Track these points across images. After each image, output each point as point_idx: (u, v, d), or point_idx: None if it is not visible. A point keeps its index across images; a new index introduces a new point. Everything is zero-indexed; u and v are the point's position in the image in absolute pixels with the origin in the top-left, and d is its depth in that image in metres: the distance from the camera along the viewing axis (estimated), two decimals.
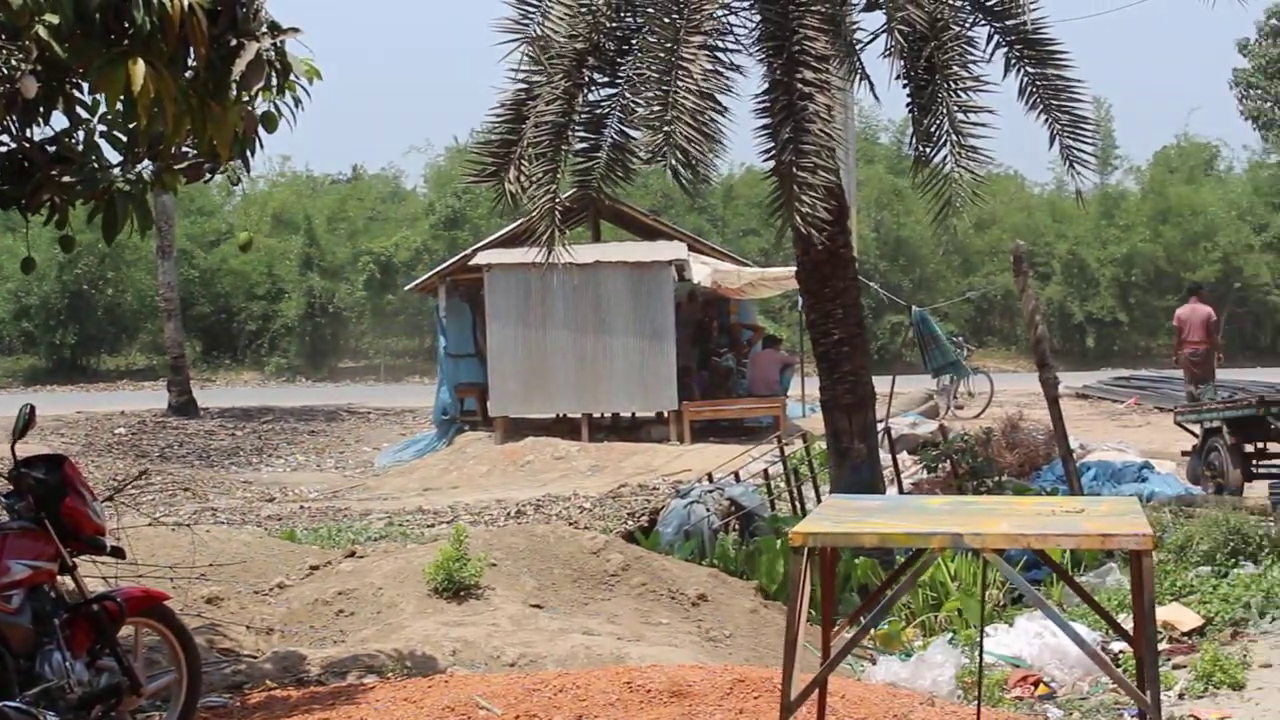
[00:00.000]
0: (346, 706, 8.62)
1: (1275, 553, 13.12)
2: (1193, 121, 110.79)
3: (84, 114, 8.55)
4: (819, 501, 15.38)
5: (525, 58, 14.04)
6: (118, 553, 8.25)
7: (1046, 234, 57.17)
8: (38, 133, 8.69)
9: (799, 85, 12.97)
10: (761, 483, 18.39)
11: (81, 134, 8.62)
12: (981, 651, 8.32)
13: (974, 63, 14.00)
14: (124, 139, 8.59)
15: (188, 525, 13.86)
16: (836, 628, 7.15)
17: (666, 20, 13.20)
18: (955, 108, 13.61)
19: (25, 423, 7.83)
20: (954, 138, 13.59)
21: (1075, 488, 15.81)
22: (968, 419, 27.76)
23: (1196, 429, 20.12)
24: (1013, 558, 12.87)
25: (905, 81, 14.03)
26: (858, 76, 14.37)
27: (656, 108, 12.63)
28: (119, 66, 7.23)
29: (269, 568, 13.08)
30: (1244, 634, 11.53)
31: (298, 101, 8.51)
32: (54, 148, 8.71)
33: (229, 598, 11.84)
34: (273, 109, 8.37)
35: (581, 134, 13.95)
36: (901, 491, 17.69)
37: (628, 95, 13.61)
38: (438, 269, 32.35)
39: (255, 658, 10.35)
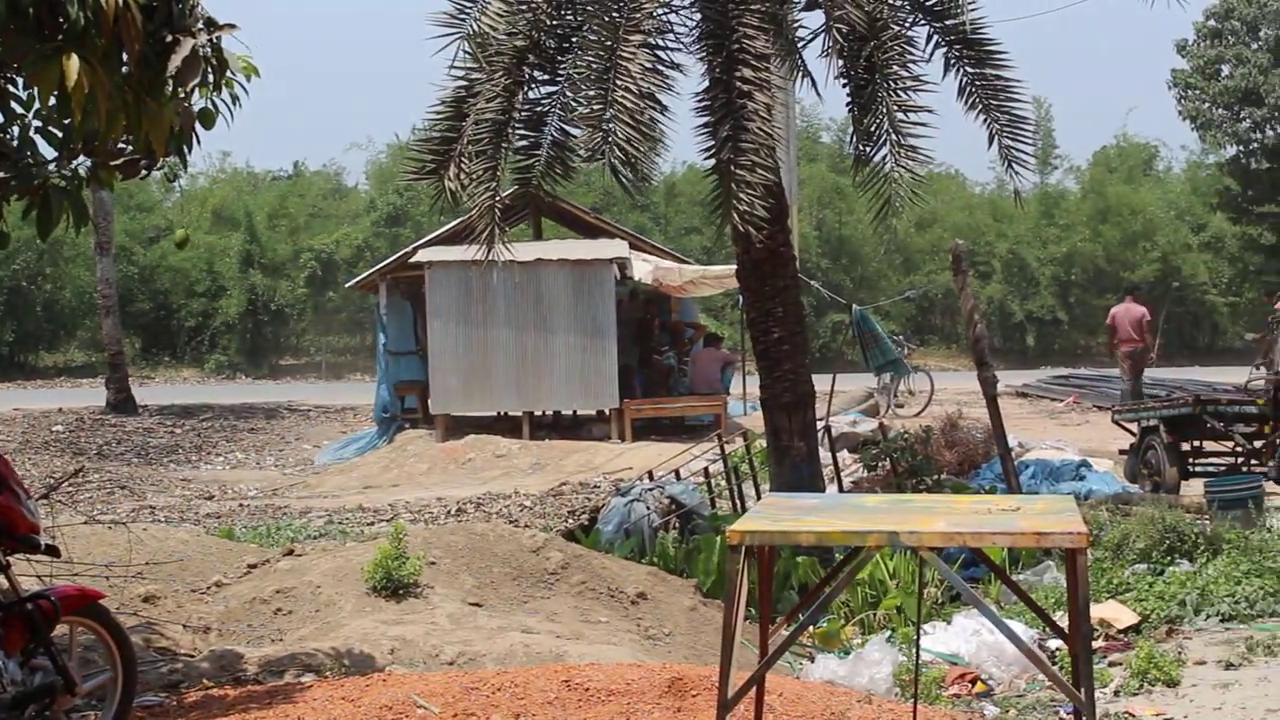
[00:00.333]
0: (284, 705, 8.58)
1: (1210, 551, 13.21)
2: (1131, 122, 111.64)
3: (18, 109, 8.47)
4: (759, 499, 15.41)
5: (464, 54, 14.00)
6: (52, 551, 8.18)
7: (987, 233, 57.46)
8: None
9: (738, 84, 12.99)
10: (702, 481, 18.41)
11: (16, 129, 8.55)
12: (918, 649, 8.35)
13: (913, 62, 14.08)
14: (59, 135, 8.52)
15: (124, 523, 13.75)
16: (774, 626, 7.16)
17: (606, 18, 13.19)
18: (895, 107, 13.66)
19: None
20: (894, 137, 13.65)
21: (1013, 486, 15.89)
22: (908, 417, 27.85)
23: (1134, 427, 20.24)
24: (951, 556, 12.94)
25: (845, 81, 14.09)
26: (800, 74, 14.41)
27: (596, 106, 12.62)
28: (53, 62, 7.17)
29: (207, 566, 13.01)
30: (1179, 631, 11.60)
31: (235, 98, 8.46)
32: None
33: (166, 596, 11.78)
34: (210, 105, 8.33)
35: (522, 132, 13.93)
36: (841, 490, 17.74)
37: (568, 93, 13.61)
38: (379, 266, 32.25)
39: (192, 657, 10.30)
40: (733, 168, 12.82)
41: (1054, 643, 10.90)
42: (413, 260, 28.67)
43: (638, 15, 13.01)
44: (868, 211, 14.71)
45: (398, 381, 30.21)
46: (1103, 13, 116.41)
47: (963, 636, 11.28)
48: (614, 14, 13.19)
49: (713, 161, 13.49)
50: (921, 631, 11.06)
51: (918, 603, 8.58)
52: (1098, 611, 11.85)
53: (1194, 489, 18.00)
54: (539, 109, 13.94)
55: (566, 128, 13.75)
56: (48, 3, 7.30)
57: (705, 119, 13.44)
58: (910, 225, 52.81)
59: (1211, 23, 49.92)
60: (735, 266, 16.08)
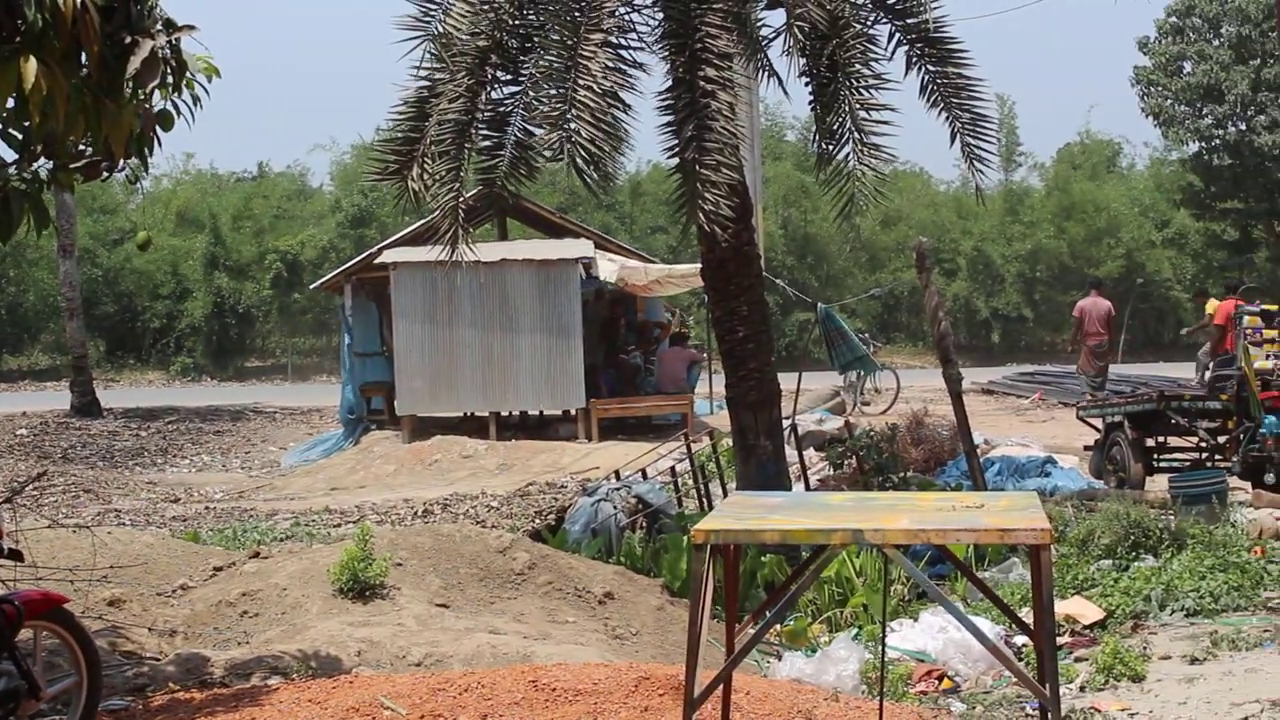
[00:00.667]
0: (250, 708, 8.56)
1: (1175, 546, 13.26)
2: (1094, 119, 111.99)
3: None
4: (725, 498, 15.42)
5: (428, 55, 13.98)
6: (16, 555, 8.14)
7: (952, 230, 57.64)
8: None
9: (701, 83, 12.98)
10: (669, 480, 18.41)
11: None
12: (884, 646, 8.36)
13: (875, 61, 14.09)
14: (19, 137, 8.48)
15: (89, 527, 13.69)
16: (741, 624, 7.16)
17: (567, 17, 13.18)
18: (857, 105, 13.68)
19: None
20: (856, 135, 13.66)
21: (979, 483, 15.92)
22: (874, 415, 27.91)
23: (1099, 424, 20.30)
24: (917, 553, 12.96)
25: (807, 79, 14.10)
26: (764, 73, 14.42)
27: (558, 105, 12.60)
28: (10, 64, 7.14)
29: (172, 569, 12.96)
30: (1144, 626, 11.64)
31: (196, 99, 8.44)
32: None
33: (131, 600, 11.73)
34: (170, 107, 8.30)
35: (485, 132, 13.89)
36: (808, 488, 17.75)
37: (530, 93, 13.57)
38: (343, 268, 32.19)
39: (158, 660, 10.25)
40: (697, 167, 12.81)
41: (1020, 639, 10.93)
42: (378, 261, 28.62)
43: (599, 14, 12.99)
44: (832, 210, 14.71)
45: (363, 383, 30.16)
46: (1065, 10, 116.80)
47: (929, 633, 11.29)
48: (575, 13, 13.18)
49: (677, 161, 13.47)
50: (888, 629, 11.10)
51: (883, 600, 8.59)
52: (1063, 607, 11.88)
53: (1159, 484, 18.06)
54: (502, 109, 13.91)
55: (529, 127, 13.70)
56: (4, 4, 7.26)
57: (669, 118, 13.42)
58: (875, 223, 52.97)
59: (1173, 20, 50.11)
60: (700, 265, 16.09)
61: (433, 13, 13.98)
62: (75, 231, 38.34)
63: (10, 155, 8.60)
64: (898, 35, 14.60)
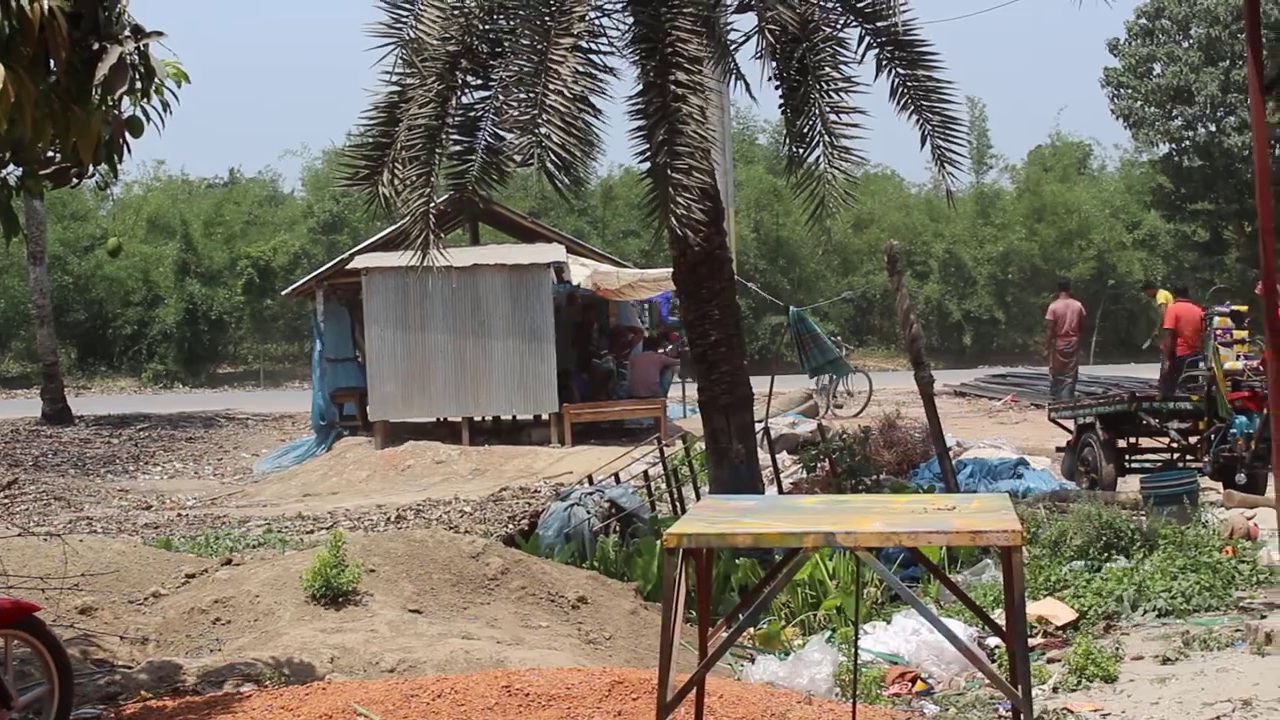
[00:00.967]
0: (223, 716, 8.54)
1: (1147, 546, 13.29)
2: (1065, 121, 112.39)
3: None
4: (698, 502, 15.42)
5: (399, 60, 13.96)
6: None
7: (924, 233, 57.75)
8: None
9: (672, 87, 13.01)
10: (642, 484, 18.41)
11: None
12: (856, 649, 8.36)
13: (845, 64, 14.14)
14: None
15: (59, 535, 13.63)
16: (714, 628, 7.16)
17: (537, 22, 13.18)
18: (827, 108, 13.71)
19: None
20: (826, 138, 13.69)
21: (951, 485, 15.95)
22: (847, 418, 27.94)
23: (1070, 425, 20.35)
24: (890, 556, 12.98)
25: (778, 83, 14.13)
26: (733, 77, 14.44)
27: (528, 110, 12.60)
28: None
29: (144, 577, 12.90)
30: (1116, 627, 11.67)
31: (166, 105, 8.41)
32: None
33: (103, 608, 11.69)
34: (139, 113, 8.27)
35: (456, 137, 13.89)
36: (781, 491, 17.77)
37: (501, 98, 13.58)
38: (315, 273, 32.12)
39: (130, 668, 10.22)
40: (669, 171, 12.83)
41: (993, 640, 10.95)
42: (350, 267, 28.57)
43: (569, 19, 13.00)
44: (804, 213, 14.74)
45: (336, 389, 30.09)
46: (1034, 12, 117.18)
47: (902, 636, 11.30)
48: (545, 18, 13.18)
49: (649, 165, 13.49)
50: (861, 631, 11.10)
51: (856, 603, 8.60)
52: (1036, 609, 11.90)
53: (1130, 485, 18.10)
54: (472, 114, 13.91)
55: (500, 132, 13.70)
56: None
57: (640, 122, 13.45)
58: (847, 226, 53.01)
59: (1143, 21, 50.25)
60: (672, 269, 16.10)
61: (404, 18, 13.97)
62: (45, 238, 38.19)
63: None
64: (868, 38, 14.63)
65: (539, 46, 12.86)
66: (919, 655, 11.02)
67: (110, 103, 7.89)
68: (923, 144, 14.64)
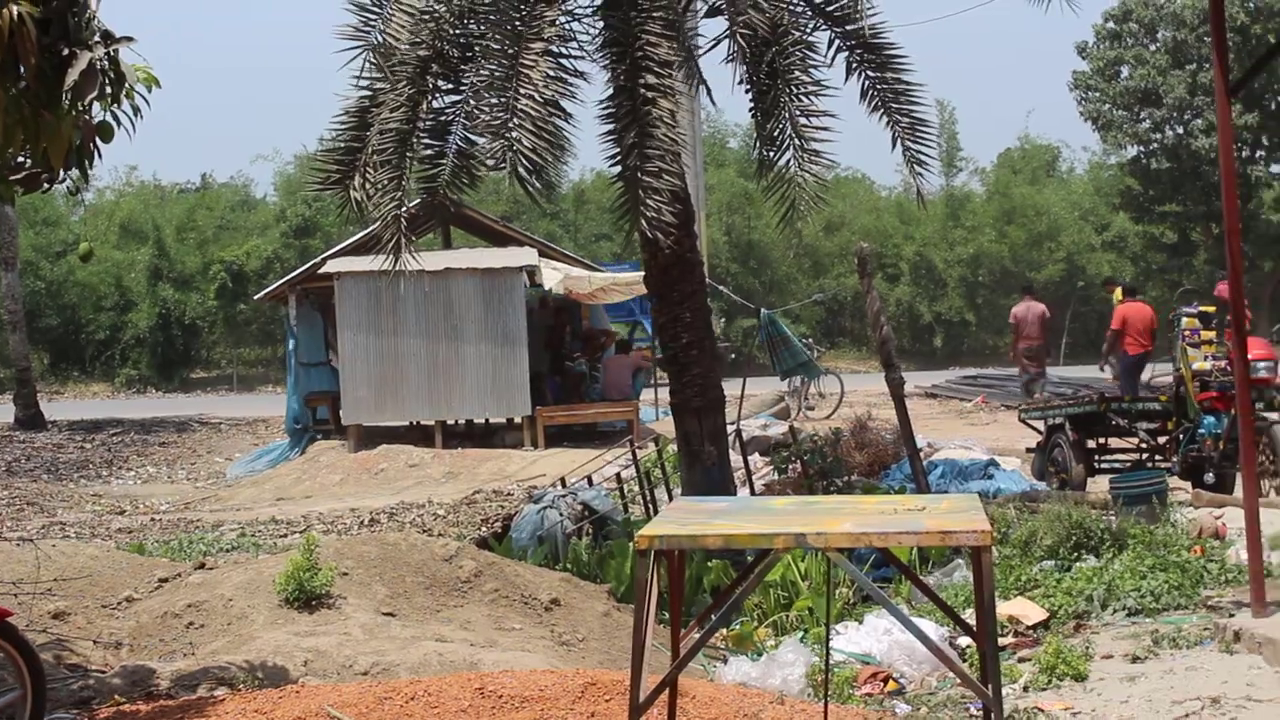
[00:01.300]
0: (196, 719, 8.54)
1: (1116, 546, 13.35)
2: (1034, 123, 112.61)
3: None
4: (670, 503, 15.44)
5: (368, 64, 13.97)
6: None
7: (895, 235, 57.90)
8: None
9: (642, 91, 13.03)
10: (615, 487, 18.44)
11: None
12: (828, 649, 8.41)
13: (815, 67, 14.17)
14: None
15: (32, 540, 13.63)
16: (686, 629, 7.19)
17: (508, 27, 13.19)
18: (797, 112, 13.75)
19: None
20: (796, 141, 13.73)
21: (922, 486, 16.00)
22: (819, 420, 28.00)
23: (1041, 426, 20.42)
24: (862, 556, 13.01)
25: (748, 86, 14.15)
26: (696, 82, 14.47)
27: (499, 114, 12.62)
28: None
29: (117, 581, 12.88)
30: (1086, 626, 11.72)
31: (136, 110, 8.40)
32: None
33: (76, 613, 11.67)
34: (109, 119, 8.27)
35: (427, 141, 13.89)
36: (753, 493, 17.79)
37: (472, 102, 13.59)
38: (288, 278, 32.10)
39: (103, 673, 10.21)
40: (639, 174, 12.86)
41: (964, 640, 11.00)
42: (322, 271, 28.56)
43: (540, 23, 13.01)
44: (774, 216, 14.78)
45: (309, 392, 30.07)
46: (1003, 15, 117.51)
47: (874, 636, 11.34)
48: (516, 22, 13.20)
49: (619, 168, 13.51)
50: (833, 632, 11.15)
51: (827, 604, 8.64)
52: (1006, 608, 11.95)
53: (1100, 485, 18.17)
54: (443, 118, 13.92)
55: (471, 136, 13.72)
56: None
57: (611, 126, 13.46)
58: (818, 229, 53.11)
59: (1110, 25, 50.43)
60: (643, 273, 16.13)
61: (373, 22, 13.98)
62: (17, 244, 38.12)
63: None
64: (837, 41, 14.68)
65: (510, 51, 12.87)
66: (891, 655, 11.05)
67: (80, 108, 7.89)
68: (893, 146, 14.69)
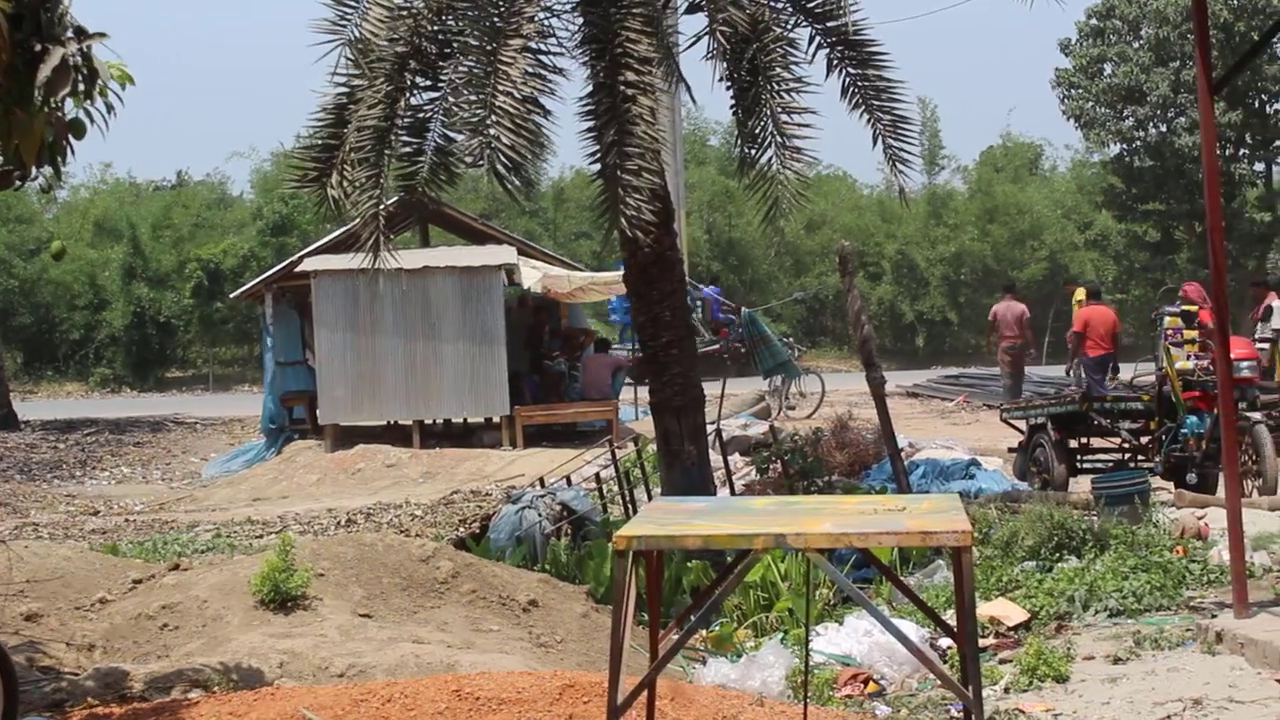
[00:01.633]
0: None
1: (1098, 546, 13.32)
2: (1016, 121, 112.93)
3: None
4: (650, 503, 15.38)
5: (345, 60, 13.87)
6: None
7: (876, 234, 57.91)
8: None
9: (622, 88, 12.97)
10: (594, 487, 18.37)
11: None
12: (807, 650, 8.34)
13: (796, 64, 14.13)
14: None
15: (4, 541, 13.52)
16: (665, 630, 7.13)
17: (486, 23, 13.12)
18: (779, 109, 13.70)
19: None
20: (778, 139, 13.68)
21: (903, 486, 15.96)
22: (799, 419, 27.95)
23: (1022, 426, 20.40)
24: (842, 557, 12.97)
25: (729, 84, 14.10)
26: (676, 79, 14.41)
27: (477, 111, 12.54)
28: None
29: (91, 583, 12.78)
30: (1068, 627, 11.69)
31: (110, 107, 8.31)
32: None
33: (48, 614, 11.57)
34: (82, 115, 8.17)
35: (405, 138, 13.80)
36: (733, 493, 17.75)
37: (450, 99, 13.51)
38: (264, 276, 31.98)
39: (76, 675, 10.12)
40: (619, 172, 12.80)
41: (945, 641, 10.95)
42: (299, 269, 28.44)
43: (518, 19, 12.94)
44: (756, 214, 14.74)
45: (285, 392, 29.96)
46: (986, 12, 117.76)
47: (855, 637, 11.29)
48: (494, 19, 13.12)
49: (599, 166, 13.46)
50: (813, 633, 11.09)
51: (806, 605, 8.57)
52: (988, 609, 11.92)
53: (1082, 485, 18.16)
54: (421, 115, 13.83)
55: (449, 133, 13.64)
56: None
57: (590, 123, 13.40)
58: (800, 227, 53.08)
59: (1093, 22, 50.49)
60: (623, 271, 16.08)
61: (349, 17, 13.87)
62: None
63: None
64: (818, 38, 14.63)
65: (488, 47, 12.80)
66: (871, 656, 11.01)
67: (53, 105, 7.80)
68: (874, 143, 14.65)
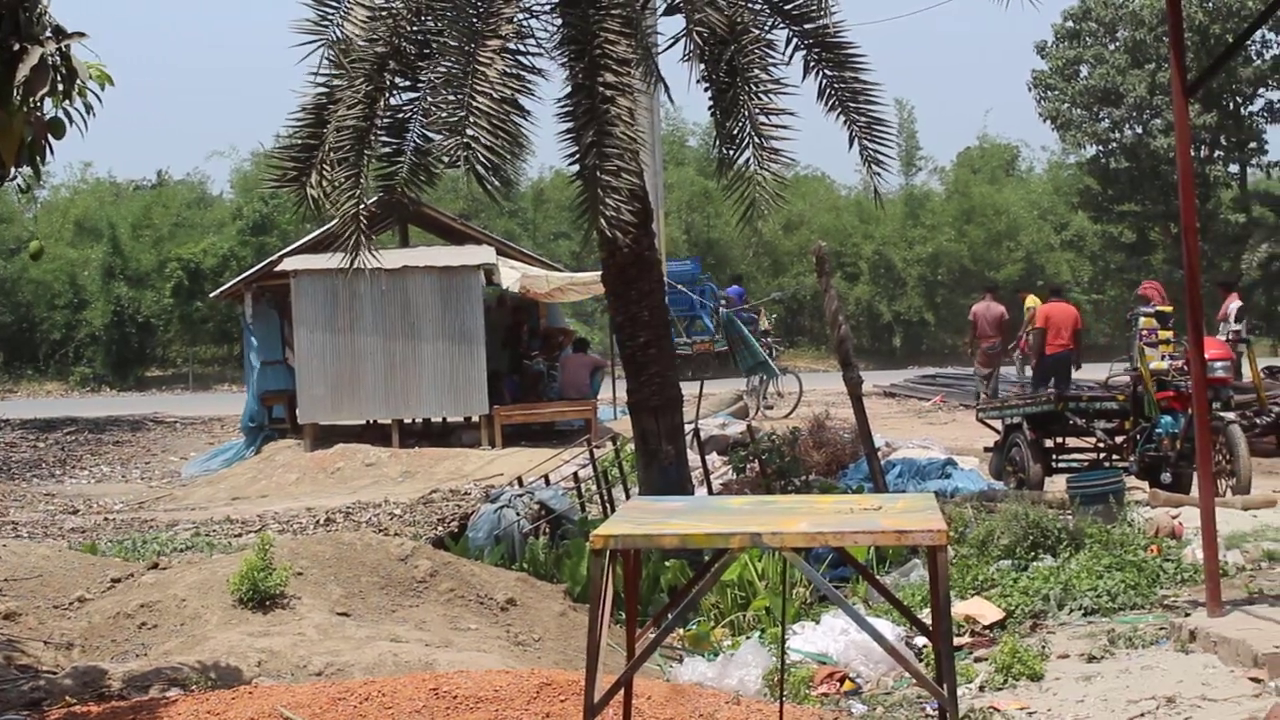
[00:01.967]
0: None
1: (1073, 546, 13.37)
2: (994, 123, 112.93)
3: None
4: (627, 502, 15.40)
5: (326, 60, 13.90)
6: None
7: (854, 235, 57.94)
8: None
9: (601, 89, 13.01)
10: (572, 486, 18.40)
11: None
12: (784, 649, 8.39)
13: (774, 65, 14.18)
14: None
15: None
16: (642, 629, 7.16)
17: (465, 24, 13.15)
18: (757, 110, 13.75)
19: None
20: (756, 140, 13.72)
21: (880, 486, 15.99)
22: (777, 419, 27.98)
23: (998, 425, 20.45)
24: (819, 556, 13.02)
25: (707, 85, 14.14)
26: (655, 80, 14.45)
27: (457, 112, 12.57)
28: None
29: (69, 581, 12.79)
30: (1043, 625, 11.74)
31: (89, 107, 8.33)
32: None
33: (27, 613, 11.58)
34: (61, 115, 8.19)
35: (384, 138, 13.84)
36: (711, 492, 17.78)
37: (429, 99, 13.53)
38: (244, 275, 31.92)
39: (55, 674, 10.13)
40: (597, 172, 12.84)
41: (921, 640, 11.00)
42: (279, 269, 28.40)
43: (497, 20, 12.98)
44: (734, 214, 14.78)
45: (265, 391, 29.91)
46: (962, 14, 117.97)
47: (831, 636, 11.33)
48: (473, 20, 13.16)
49: (577, 167, 13.50)
50: (790, 632, 11.14)
51: (783, 603, 8.61)
52: (963, 608, 11.96)
53: (1057, 485, 18.22)
54: (401, 115, 13.86)
55: (429, 134, 13.67)
56: None
57: (569, 124, 13.44)
58: (778, 228, 53.16)
59: (1070, 24, 50.63)
60: (602, 271, 16.11)
61: (330, 17, 13.91)
62: None
63: None
64: (796, 40, 14.69)
65: (467, 48, 12.84)
66: (847, 655, 11.05)
67: (31, 104, 7.82)
68: (851, 145, 14.71)
